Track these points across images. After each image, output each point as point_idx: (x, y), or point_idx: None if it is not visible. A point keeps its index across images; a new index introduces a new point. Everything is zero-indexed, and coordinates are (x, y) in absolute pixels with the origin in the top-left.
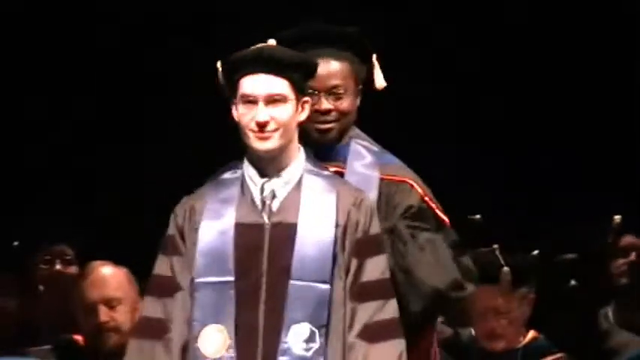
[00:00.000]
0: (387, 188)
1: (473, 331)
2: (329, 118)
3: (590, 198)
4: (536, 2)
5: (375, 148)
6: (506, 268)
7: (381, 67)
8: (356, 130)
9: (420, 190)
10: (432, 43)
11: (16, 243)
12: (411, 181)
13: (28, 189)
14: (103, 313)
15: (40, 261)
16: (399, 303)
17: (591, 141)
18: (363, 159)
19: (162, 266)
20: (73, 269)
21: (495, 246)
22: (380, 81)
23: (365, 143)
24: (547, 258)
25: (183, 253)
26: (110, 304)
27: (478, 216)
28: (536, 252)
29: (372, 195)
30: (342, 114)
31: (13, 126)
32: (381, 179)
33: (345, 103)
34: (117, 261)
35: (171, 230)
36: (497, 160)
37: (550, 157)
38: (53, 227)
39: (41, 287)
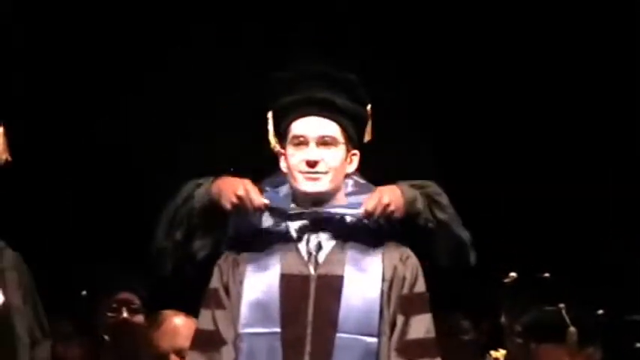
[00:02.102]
0: None
1: None
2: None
3: None
4: None
5: None
6: (572, 328)
7: None
8: None
9: None
10: None
11: (84, 292)
12: None
13: (97, 238)
14: None
15: (106, 309)
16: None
17: None
18: None
19: (205, 320)
20: (139, 318)
21: (562, 305)
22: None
23: None
24: (614, 318)
25: (227, 307)
26: (181, 354)
27: (547, 274)
28: (601, 312)
29: None
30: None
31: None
32: None
33: None
34: (184, 311)
35: (215, 284)
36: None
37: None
38: (121, 276)
39: (105, 336)
